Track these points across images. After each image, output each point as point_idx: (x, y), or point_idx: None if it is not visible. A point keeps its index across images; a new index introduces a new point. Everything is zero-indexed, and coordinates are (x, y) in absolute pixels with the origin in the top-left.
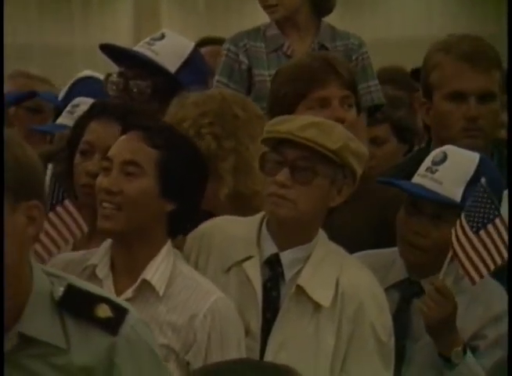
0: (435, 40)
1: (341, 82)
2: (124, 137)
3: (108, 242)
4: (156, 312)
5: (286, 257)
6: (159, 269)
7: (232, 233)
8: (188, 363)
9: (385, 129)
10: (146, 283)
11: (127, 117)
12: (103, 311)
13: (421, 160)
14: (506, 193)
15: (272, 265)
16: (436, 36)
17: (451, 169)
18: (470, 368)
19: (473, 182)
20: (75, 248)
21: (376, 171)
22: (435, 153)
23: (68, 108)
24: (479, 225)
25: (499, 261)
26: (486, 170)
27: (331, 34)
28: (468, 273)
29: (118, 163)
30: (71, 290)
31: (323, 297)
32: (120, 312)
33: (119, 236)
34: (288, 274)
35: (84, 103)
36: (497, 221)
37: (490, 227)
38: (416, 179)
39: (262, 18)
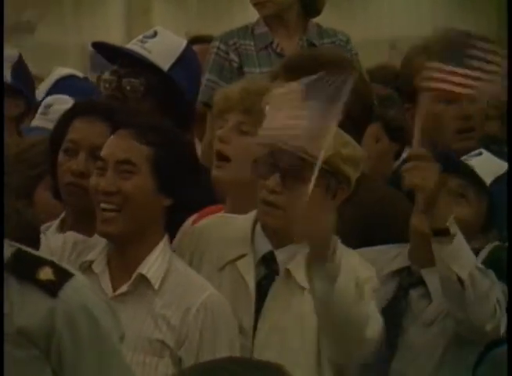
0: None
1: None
2: (114, 136)
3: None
4: (151, 307)
5: (281, 254)
6: (155, 263)
7: (227, 231)
8: (180, 360)
9: (377, 128)
10: (142, 278)
11: (114, 116)
12: (45, 273)
13: None
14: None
15: (268, 263)
16: (427, 36)
17: (486, 161)
18: (463, 243)
19: (498, 181)
20: None
21: (368, 169)
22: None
23: (41, 109)
24: None
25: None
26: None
27: (318, 31)
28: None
29: (113, 163)
30: (18, 253)
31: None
32: (62, 276)
33: (119, 238)
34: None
35: (57, 101)
36: None
37: None
38: None
39: (252, 16)
